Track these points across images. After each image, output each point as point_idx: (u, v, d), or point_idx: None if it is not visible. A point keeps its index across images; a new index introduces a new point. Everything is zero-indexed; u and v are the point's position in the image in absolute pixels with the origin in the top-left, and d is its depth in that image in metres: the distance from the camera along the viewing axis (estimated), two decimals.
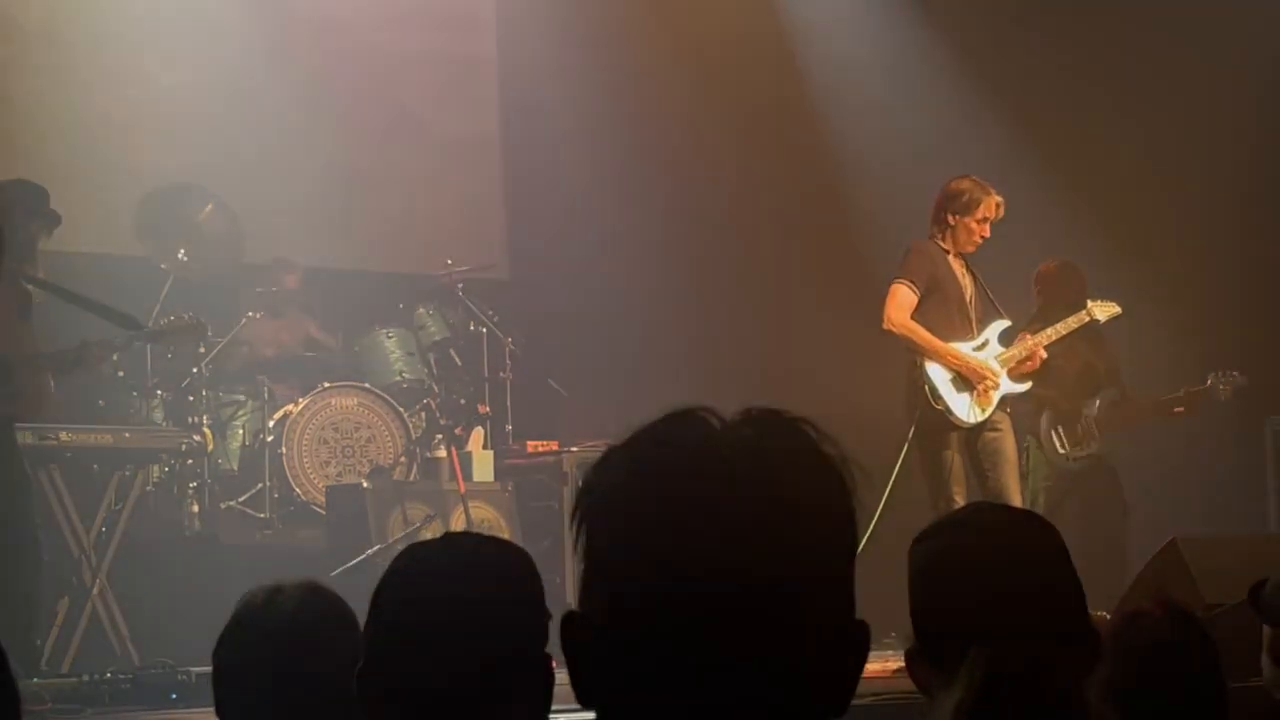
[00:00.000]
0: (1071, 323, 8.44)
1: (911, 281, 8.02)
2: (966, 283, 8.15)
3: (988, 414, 8.01)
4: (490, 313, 10.28)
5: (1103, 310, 8.54)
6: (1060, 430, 9.42)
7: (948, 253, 8.09)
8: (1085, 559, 2.49)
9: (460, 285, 10.24)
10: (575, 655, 1.41)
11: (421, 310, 10.19)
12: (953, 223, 8.03)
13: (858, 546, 1.43)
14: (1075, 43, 10.77)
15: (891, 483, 8.15)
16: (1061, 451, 9.39)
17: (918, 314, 8.02)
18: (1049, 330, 8.35)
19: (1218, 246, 10.30)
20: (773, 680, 1.36)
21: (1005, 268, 8.55)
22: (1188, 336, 9.94)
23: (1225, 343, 9.82)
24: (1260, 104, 10.29)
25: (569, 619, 1.42)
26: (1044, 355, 8.25)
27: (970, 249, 8.10)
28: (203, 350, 9.37)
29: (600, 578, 1.41)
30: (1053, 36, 10.81)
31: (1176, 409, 9.43)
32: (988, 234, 8.05)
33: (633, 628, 1.37)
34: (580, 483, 1.46)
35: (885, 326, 8.04)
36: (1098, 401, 9.42)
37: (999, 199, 8.02)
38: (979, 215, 7.99)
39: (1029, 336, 8.27)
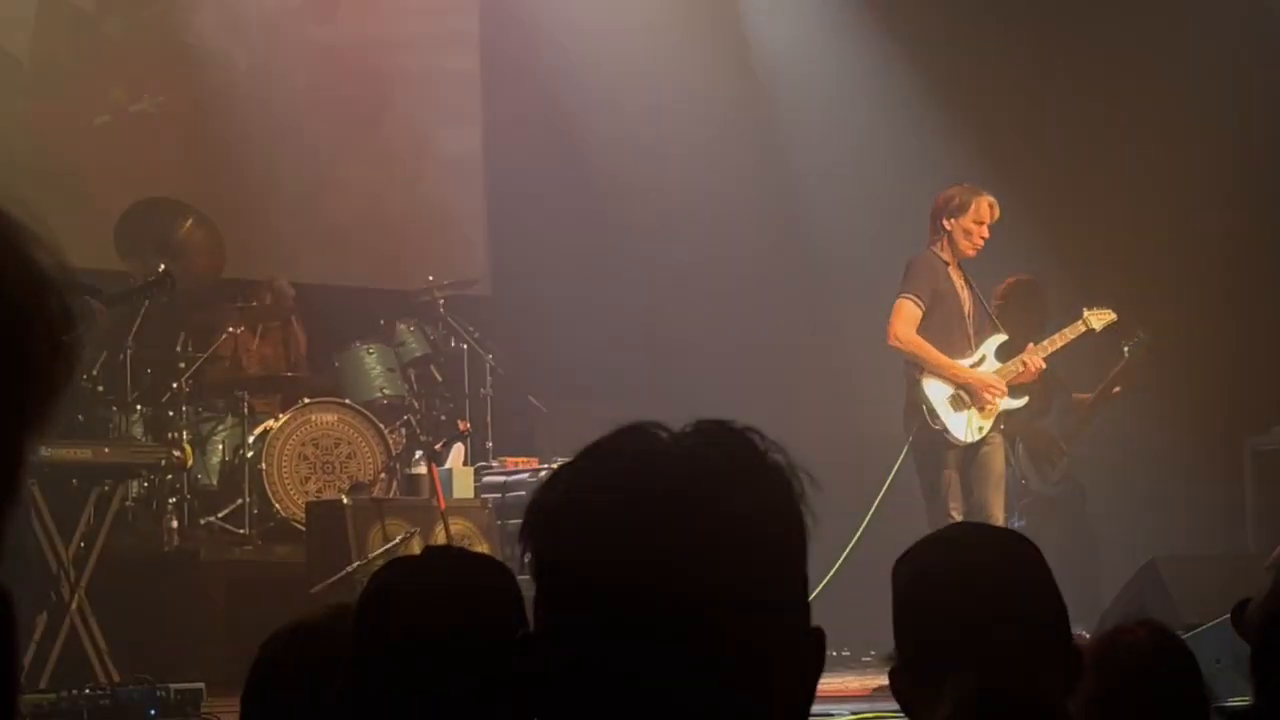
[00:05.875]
0: (1068, 333, 8.32)
1: (916, 296, 7.97)
2: (965, 295, 8.11)
3: (985, 433, 7.97)
4: (471, 329, 10.27)
5: (1099, 319, 8.41)
6: (1036, 459, 9.22)
7: (948, 264, 8.05)
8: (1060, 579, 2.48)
9: (441, 301, 10.22)
10: (531, 676, 1.39)
11: (402, 326, 10.17)
12: (949, 228, 8.00)
13: (806, 553, 1.41)
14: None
15: (878, 500, 8.13)
16: (1043, 483, 9.21)
17: (920, 328, 7.98)
18: (1045, 342, 8.28)
19: (1199, 267, 10.31)
20: (727, 692, 1.35)
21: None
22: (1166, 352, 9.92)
23: (1203, 362, 9.82)
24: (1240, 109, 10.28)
25: (523, 640, 1.40)
26: (1042, 366, 8.17)
27: (971, 253, 8.04)
28: (183, 365, 9.35)
29: (549, 596, 1.40)
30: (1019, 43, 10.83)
31: (1115, 390, 9.21)
32: (987, 235, 8.01)
33: (583, 645, 1.36)
34: (529, 502, 1.45)
35: (891, 342, 7.97)
36: (1052, 414, 9.22)
37: (990, 199, 7.98)
38: (972, 217, 7.96)
39: (1032, 346, 8.22)
